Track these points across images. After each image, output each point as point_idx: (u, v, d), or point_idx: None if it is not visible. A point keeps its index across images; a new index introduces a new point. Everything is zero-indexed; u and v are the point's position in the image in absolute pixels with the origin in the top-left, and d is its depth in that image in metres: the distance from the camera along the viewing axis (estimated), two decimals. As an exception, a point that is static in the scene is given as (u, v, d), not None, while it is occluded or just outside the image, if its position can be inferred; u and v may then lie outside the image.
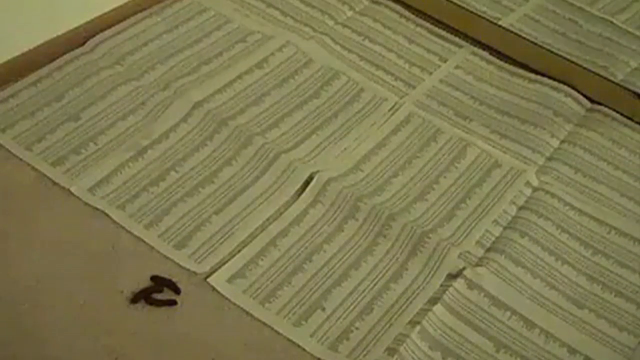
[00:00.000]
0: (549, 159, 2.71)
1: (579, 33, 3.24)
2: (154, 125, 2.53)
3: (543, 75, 2.99)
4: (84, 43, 2.74)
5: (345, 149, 2.60)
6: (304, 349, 2.07)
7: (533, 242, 2.41)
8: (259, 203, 2.39)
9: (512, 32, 3.15)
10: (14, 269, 2.12)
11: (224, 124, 2.56)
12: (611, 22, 3.32)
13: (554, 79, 2.97)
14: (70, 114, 2.52)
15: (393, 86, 2.86)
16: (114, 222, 2.27)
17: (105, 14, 2.81)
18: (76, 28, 2.73)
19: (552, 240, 2.44)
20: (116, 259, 2.19)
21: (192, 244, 2.25)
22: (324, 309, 2.16)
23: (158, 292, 2.11)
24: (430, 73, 2.95)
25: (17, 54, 2.58)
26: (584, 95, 2.94)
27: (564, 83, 2.96)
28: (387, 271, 2.27)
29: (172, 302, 2.10)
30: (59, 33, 2.68)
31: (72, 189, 2.32)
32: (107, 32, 2.79)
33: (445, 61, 3.01)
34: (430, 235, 2.35)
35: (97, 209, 2.28)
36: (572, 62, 3.03)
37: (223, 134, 2.54)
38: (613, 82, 2.99)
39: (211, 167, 2.46)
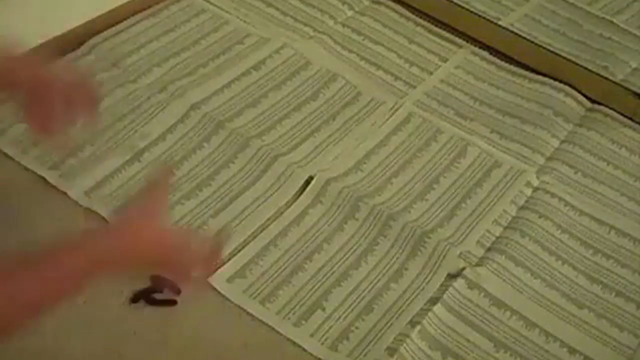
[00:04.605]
0: (549, 158, 2.70)
1: (579, 33, 3.24)
2: (151, 127, 2.51)
3: (543, 75, 2.99)
4: (80, 45, 2.73)
5: (344, 149, 2.59)
6: (304, 349, 2.06)
7: (533, 242, 2.40)
8: (257, 206, 2.37)
9: (512, 32, 3.15)
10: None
11: (221, 126, 2.55)
12: (611, 22, 3.32)
13: (554, 79, 2.97)
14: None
15: (393, 86, 2.85)
16: (112, 224, 2.26)
17: (101, 16, 2.79)
18: (72, 30, 2.71)
19: (552, 240, 2.43)
20: (115, 258, 2.17)
21: (188, 247, 2.23)
22: (324, 309, 2.15)
23: (158, 292, 2.10)
24: (430, 73, 2.94)
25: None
26: (584, 95, 2.94)
27: (564, 83, 2.95)
28: (387, 271, 2.26)
29: (172, 302, 2.09)
30: (54, 35, 2.67)
31: (69, 193, 2.30)
32: (103, 35, 2.77)
33: (445, 61, 3.00)
34: (430, 235, 2.34)
35: (95, 212, 2.27)
36: (572, 62, 3.03)
37: (220, 136, 2.53)
38: (613, 82, 2.99)
39: (208, 169, 2.44)
